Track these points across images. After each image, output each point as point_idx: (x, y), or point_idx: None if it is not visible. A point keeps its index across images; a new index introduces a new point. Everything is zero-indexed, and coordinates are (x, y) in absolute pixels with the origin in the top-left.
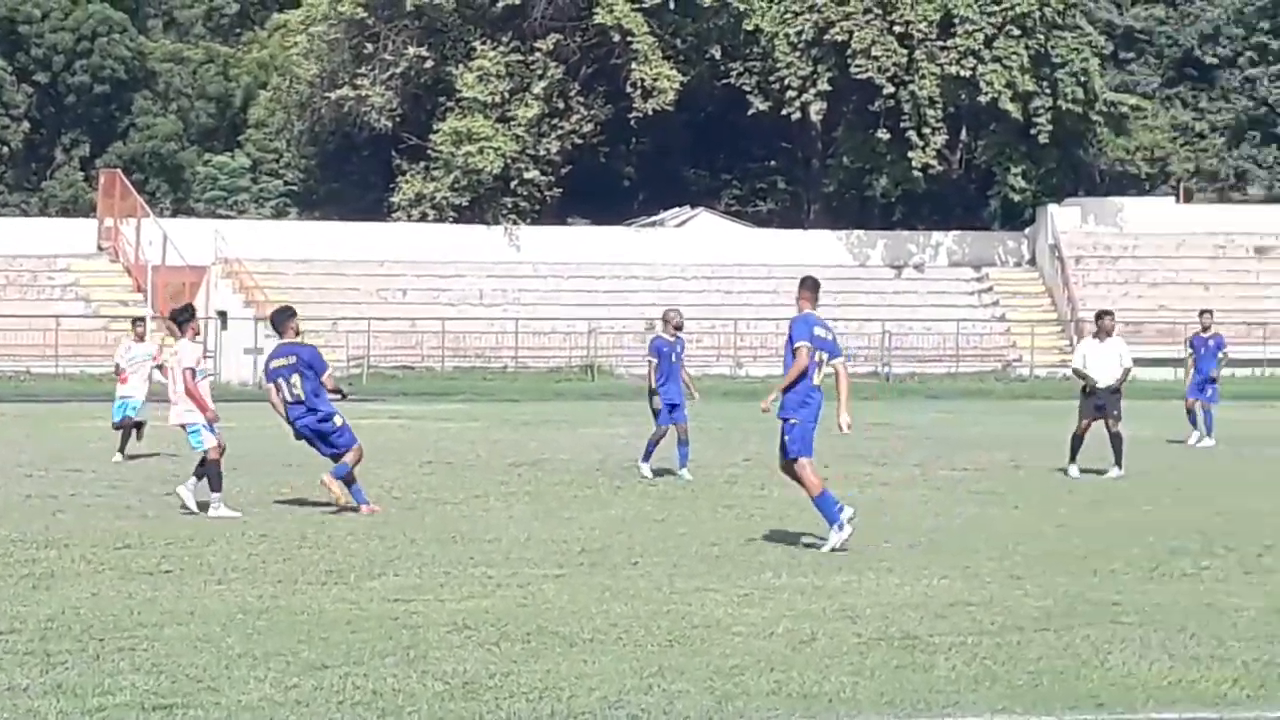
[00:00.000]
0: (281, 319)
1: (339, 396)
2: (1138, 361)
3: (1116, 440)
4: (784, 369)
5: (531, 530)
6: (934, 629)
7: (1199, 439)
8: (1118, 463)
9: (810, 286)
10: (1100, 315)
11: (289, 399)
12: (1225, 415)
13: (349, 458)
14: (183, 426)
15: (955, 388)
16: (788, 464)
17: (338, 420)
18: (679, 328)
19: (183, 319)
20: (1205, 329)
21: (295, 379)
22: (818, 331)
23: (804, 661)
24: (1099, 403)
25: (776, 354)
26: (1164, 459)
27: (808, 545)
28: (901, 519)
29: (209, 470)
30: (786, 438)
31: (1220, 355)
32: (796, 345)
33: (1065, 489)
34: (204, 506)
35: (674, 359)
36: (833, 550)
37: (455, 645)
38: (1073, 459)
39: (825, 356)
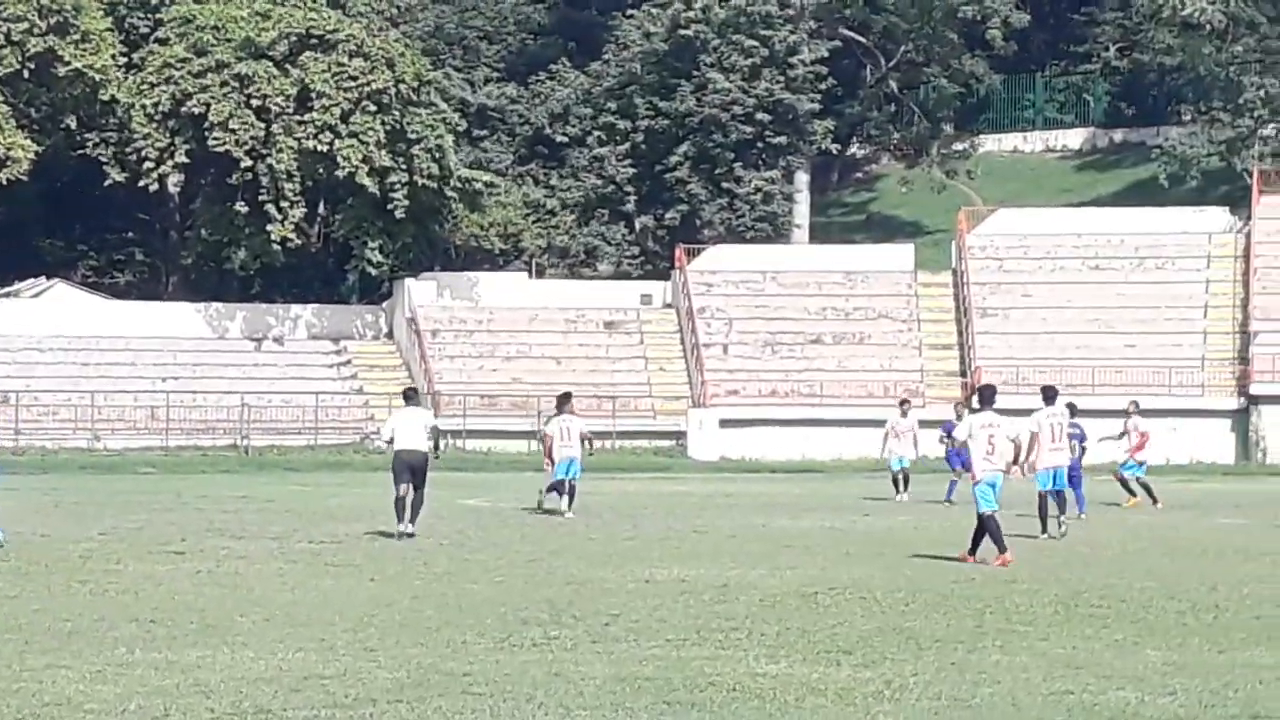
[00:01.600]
0: None
1: None
2: (496, 434)
3: (416, 505)
4: None
5: None
6: (288, 703)
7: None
8: (410, 520)
9: None
10: (407, 391)
11: None
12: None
13: None
14: None
15: (314, 460)
16: None
17: None
18: None
19: None
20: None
21: None
22: None
23: None
24: (409, 466)
25: (135, 426)
26: (518, 529)
27: None
28: (257, 593)
29: None
30: None
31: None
32: None
33: (421, 560)
34: None
35: None
36: None
37: None
38: (399, 519)
39: None
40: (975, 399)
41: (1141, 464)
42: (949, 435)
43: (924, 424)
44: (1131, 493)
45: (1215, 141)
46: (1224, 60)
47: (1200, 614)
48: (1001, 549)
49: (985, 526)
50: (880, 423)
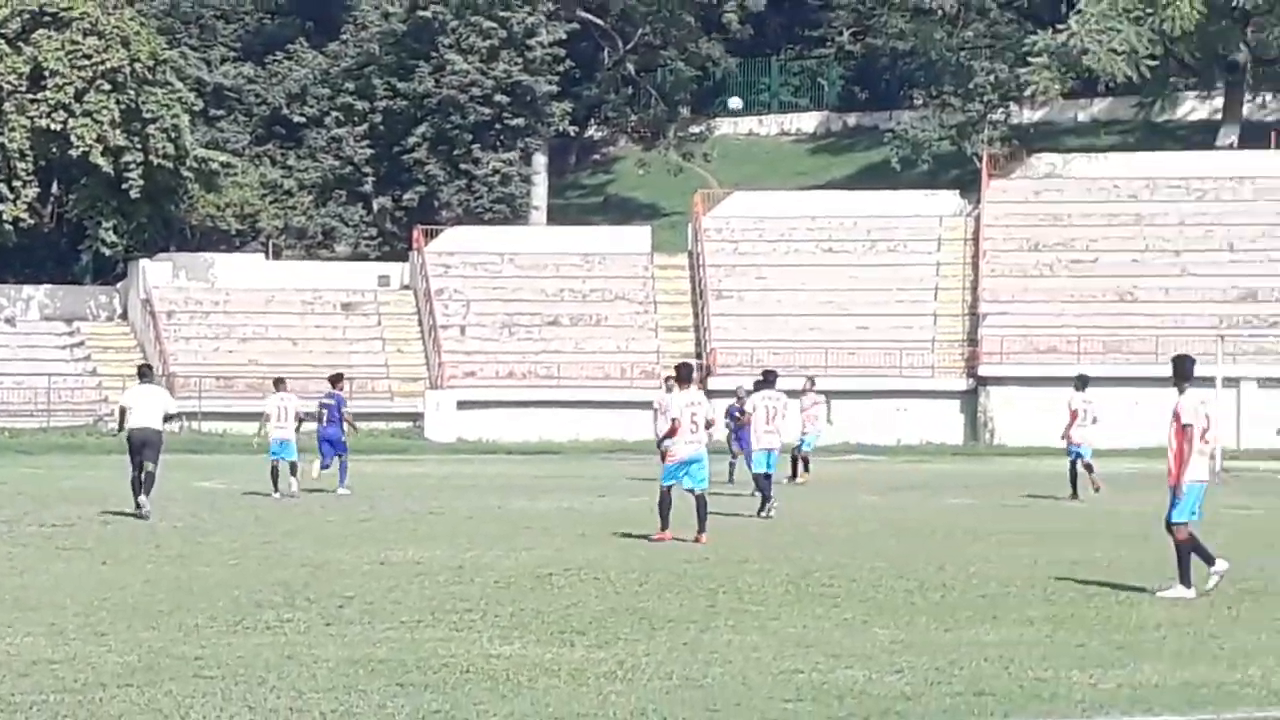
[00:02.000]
0: None
1: None
2: (231, 416)
3: (149, 481)
4: None
5: None
6: (16, 688)
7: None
8: (145, 492)
9: None
10: (141, 368)
11: None
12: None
13: None
14: None
15: (47, 442)
16: None
17: None
18: None
19: None
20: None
21: None
22: None
23: None
24: (144, 443)
25: None
26: (253, 512)
27: None
28: None
29: None
30: None
31: None
32: None
33: (153, 543)
34: None
35: None
36: None
37: None
38: (135, 494)
39: None
40: (673, 377)
41: (808, 437)
42: (733, 418)
43: None
44: (806, 469)
45: (946, 125)
46: (955, 45)
47: (928, 593)
48: (664, 526)
49: (660, 499)
50: (622, 404)
